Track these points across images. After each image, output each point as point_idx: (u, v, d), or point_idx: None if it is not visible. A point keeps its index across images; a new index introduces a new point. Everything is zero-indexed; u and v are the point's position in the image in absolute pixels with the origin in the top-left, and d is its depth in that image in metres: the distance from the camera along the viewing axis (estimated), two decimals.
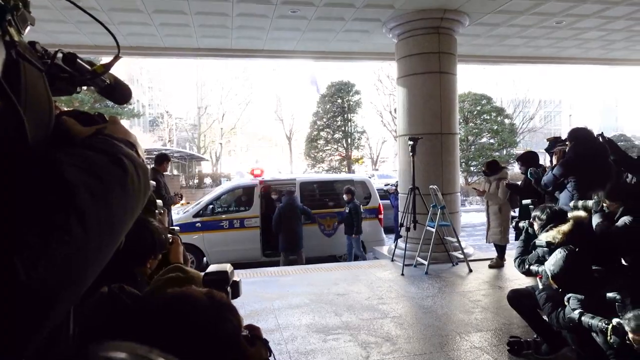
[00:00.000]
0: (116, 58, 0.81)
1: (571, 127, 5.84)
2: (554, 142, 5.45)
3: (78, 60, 0.75)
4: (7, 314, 0.41)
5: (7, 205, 0.45)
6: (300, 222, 8.34)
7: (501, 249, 6.83)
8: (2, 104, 0.49)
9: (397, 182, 9.50)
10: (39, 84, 0.60)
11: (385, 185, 10.11)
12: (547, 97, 38.65)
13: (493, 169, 7.04)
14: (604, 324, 2.67)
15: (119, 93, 0.91)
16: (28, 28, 0.64)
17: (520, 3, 6.80)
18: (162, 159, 7.27)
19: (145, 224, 1.87)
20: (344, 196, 8.59)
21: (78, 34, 7.68)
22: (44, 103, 0.60)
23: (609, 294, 2.87)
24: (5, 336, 0.41)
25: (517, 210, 6.71)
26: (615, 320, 2.62)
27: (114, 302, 1.44)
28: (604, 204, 3.73)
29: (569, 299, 3.03)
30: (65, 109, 0.78)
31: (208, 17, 7.12)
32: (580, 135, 5.11)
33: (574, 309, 2.94)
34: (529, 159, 6.23)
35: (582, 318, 2.83)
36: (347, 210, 8.46)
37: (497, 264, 6.72)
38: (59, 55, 0.72)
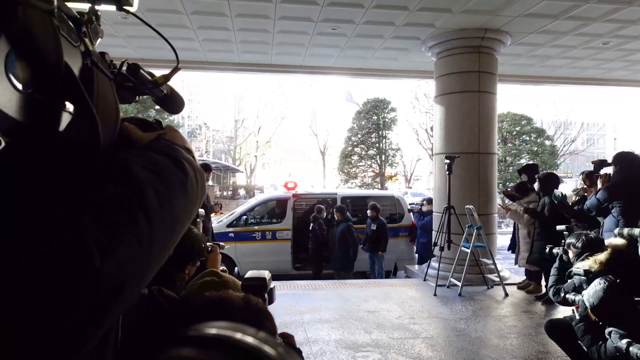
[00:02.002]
0: (175, 69, 0.86)
1: (616, 151, 5.61)
2: (600, 166, 5.26)
3: (141, 70, 0.80)
4: (77, 298, 0.42)
5: (82, 198, 0.48)
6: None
7: (537, 274, 6.58)
8: (79, 108, 0.53)
9: (422, 201, 9.34)
10: (109, 91, 0.64)
11: (409, 204, 10.00)
12: (590, 119, 37.38)
13: (523, 192, 6.80)
14: None
15: (174, 103, 0.95)
16: (99, 40, 0.69)
17: (565, 23, 6.64)
18: (205, 168, 7.49)
19: (186, 231, 1.93)
20: (369, 212, 8.40)
21: (127, 47, 8.03)
22: (112, 109, 0.64)
23: None
24: (74, 320, 0.43)
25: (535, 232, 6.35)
26: None
27: (153, 303, 1.49)
28: None
29: (610, 332, 2.88)
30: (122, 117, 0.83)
31: (250, 34, 7.31)
32: (626, 159, 4.93)
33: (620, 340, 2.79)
34: (548, 180, 5.99)
35: (631, 348, 2.68)
36: (373, 227, 8.26)
37: (535, 289, 6.46)
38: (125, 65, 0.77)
